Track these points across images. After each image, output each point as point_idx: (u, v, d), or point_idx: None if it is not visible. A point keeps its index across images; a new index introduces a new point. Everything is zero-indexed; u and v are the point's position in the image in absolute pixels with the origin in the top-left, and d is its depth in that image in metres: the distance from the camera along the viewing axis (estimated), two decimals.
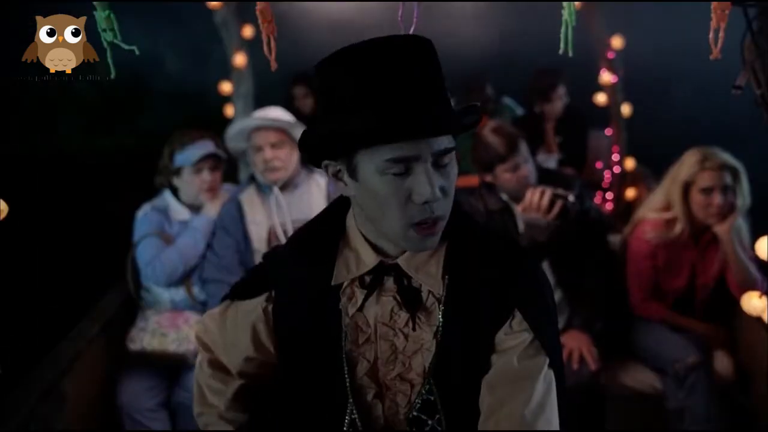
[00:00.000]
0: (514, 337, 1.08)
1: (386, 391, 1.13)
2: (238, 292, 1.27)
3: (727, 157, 2.49)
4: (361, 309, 1.13)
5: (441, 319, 1.09)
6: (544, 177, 2.54)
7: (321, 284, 1.14)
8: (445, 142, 1.01)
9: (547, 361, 1.07)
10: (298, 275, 1.18)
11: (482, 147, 2.50)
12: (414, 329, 1.10)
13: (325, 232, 1.15)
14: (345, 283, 1.14)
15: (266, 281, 1.23)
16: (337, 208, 1.19)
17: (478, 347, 1.09)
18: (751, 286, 2.37)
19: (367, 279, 1.13)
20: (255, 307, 1.23)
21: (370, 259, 1.11)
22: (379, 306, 1.12)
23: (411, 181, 1.00)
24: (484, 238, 1.15)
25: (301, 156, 2.34)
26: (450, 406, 1.10)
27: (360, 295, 1.13)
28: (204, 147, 2.64)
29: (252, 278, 1.28)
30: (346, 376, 1.13)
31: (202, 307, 2.61)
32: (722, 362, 2.54)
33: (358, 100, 0.99)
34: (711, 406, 2.39)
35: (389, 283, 1.12)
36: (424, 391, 1.10)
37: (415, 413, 1.11)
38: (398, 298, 1.11)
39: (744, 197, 2.49)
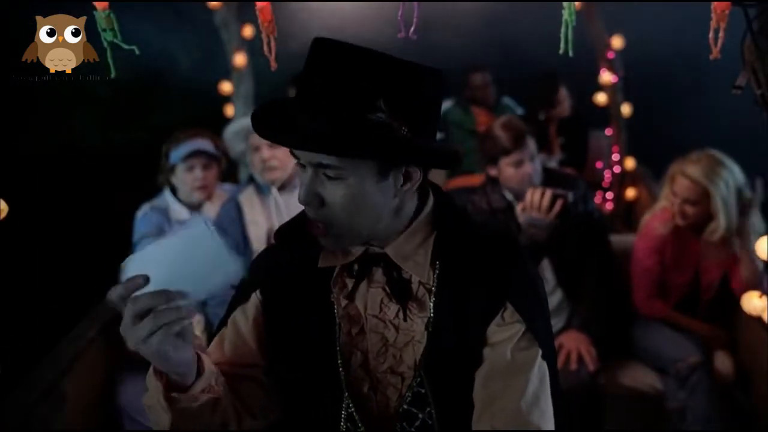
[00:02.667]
0: (506, 329, 1.07)
1: (377, 384, 1.12)
2: (232, 306, 1.21)
3: (700, 175, 2.44)
4: (352, 299, 1.12)
5: (432, 310, 1.08)
6: (548, 177, 2.54)
7: (310, 270, 1.13)
8: (320, 156, 0.99)
9: (540, 352, 1.07)
10: (287, 263, 1.17)
11: (489, 140, 2.52)
12: (405, 320, 1.09)
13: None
14: (335, 274, 1.13)
15: (252, 282, 1.20)
16: None
17: (470, 339, 1.08)
18: (756, 286, 2.36)
19: (356, 268, 1.12)
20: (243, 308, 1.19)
21: (355, 247, 1.11)
22: (369, 297, 1.11)
23: None
24: (472, 229, 1.15)
25: None
26: (441, 399, 1.10)
27: (351, 284, 1.12)
28: (194, 144, 2.63)
29: (239, 287, 1.23)
30: (341, 368, 1.11)
31: (201, 306, 2.61)
32: (723, 362, 2.53)
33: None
34: (712, 407, 2.38)
35: (378, 274, 1.11)
36: (415, 384, 1.10)
37: (405, 407, 1.11)
38: (387, 289, 1.10)
39: (725, 218, 2.45)
